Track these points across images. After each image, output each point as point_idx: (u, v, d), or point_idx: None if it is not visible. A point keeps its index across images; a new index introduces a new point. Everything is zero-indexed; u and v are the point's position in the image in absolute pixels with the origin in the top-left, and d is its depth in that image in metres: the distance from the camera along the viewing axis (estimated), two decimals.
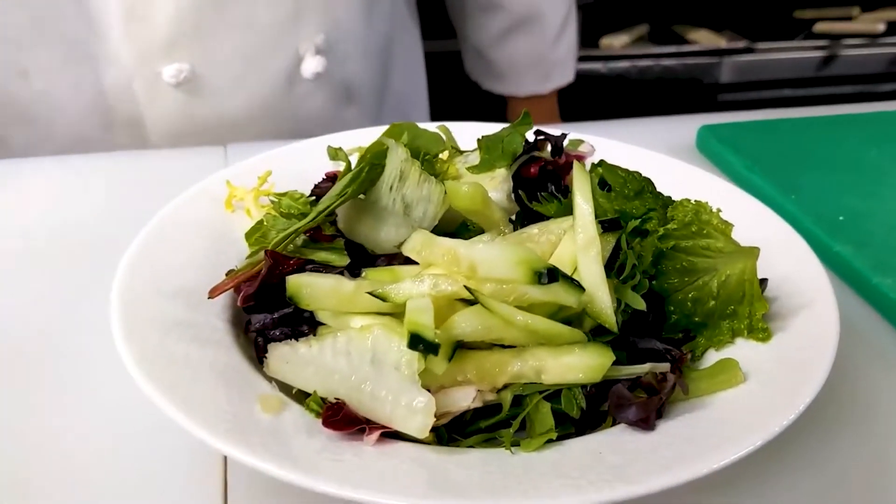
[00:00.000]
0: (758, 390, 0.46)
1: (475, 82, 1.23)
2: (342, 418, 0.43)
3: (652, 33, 2.23)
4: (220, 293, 0.50)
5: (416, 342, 0.41)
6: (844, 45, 2.06)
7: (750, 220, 0.58)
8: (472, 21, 1.15)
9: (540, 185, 0.57)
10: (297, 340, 0.47)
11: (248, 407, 0.44)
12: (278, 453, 0.40)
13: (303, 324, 0.49)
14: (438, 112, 1.22)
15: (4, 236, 0.67)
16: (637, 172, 0.55)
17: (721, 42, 2.05)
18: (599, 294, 0.45)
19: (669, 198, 0.55)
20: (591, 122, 0.89)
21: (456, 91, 1.32)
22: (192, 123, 0.86)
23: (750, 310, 0.50)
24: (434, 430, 0.43)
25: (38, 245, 0.66)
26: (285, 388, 0.47)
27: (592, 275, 0.46)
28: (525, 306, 0.44)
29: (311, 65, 0.87)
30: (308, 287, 0.47)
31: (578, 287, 0.44)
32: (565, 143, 0.62)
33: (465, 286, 0.44)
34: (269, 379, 0.47)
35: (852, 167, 0.80)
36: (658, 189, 0.56)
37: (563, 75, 1.19)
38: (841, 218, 0.71)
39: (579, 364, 0.44)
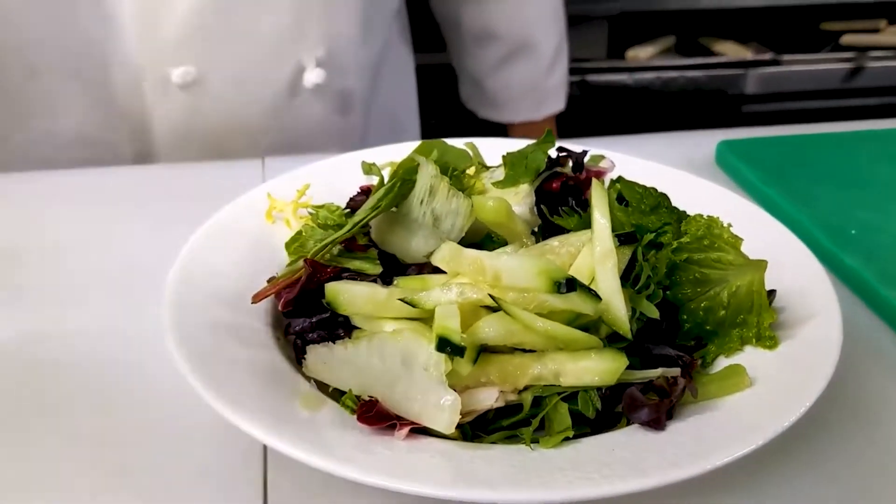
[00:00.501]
0: (764, 394, 0.49)
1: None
2: (375, 414, 0.46)
3: (678, 45, 2.25)
4: (263, 298, 0.54)
5: (444, 345, 0.45)
6: (871, 58, 2.07)
7: (762, 233, 0.61)
8: (467, 51, 1.20)
9: (561, 200, 0.61)
10: (334, 343, 0.51)
11: (288, 403, 0.48)
12: (315, 445, 0.43)
13: (338, 328, 0.53)
14: (429, 122, 1.27)
15: (54, 250, 0.72)
16: (653, 188, 0.59)
17: (747, 54, 2.07)
18: (615, 303, 0.49)
19: (684, 212, 0.58)
20: (614, 137, 0.92)
21: (447, 102, 1.35)
22: (195, 125, 0.89)
23: (758, 319, 0.53)
24: (459, 426, 0.47)
25: (92, 257, 0.70)
26: (322, 388, 0.51)
27: (609, 285, 0.49)
28: (545, 313, 0.48)
29: (312, 76, 0.91)
30: (345, 293, 0.51)
31: (595, 296, 0.48)
32: (586, 159, 0.65)
33: (489, 294, 0.47)
34: (308, 378, 0.51)
35: (869, 182, 0.82)
36: (674, 203, 0.59)
37: (556, 103, 1.24)
38: (853, 231, 0.73)
39: (595, 368, 0.47)
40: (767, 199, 0.80)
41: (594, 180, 0.53)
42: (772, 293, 0.55)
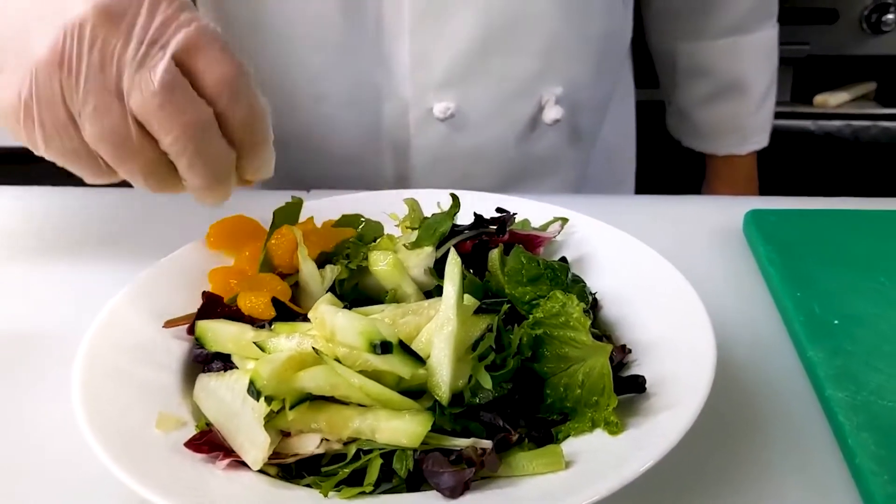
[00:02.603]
0: (570, 477, 0.49)
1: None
2: (204, 442, 0.52)
3: (879, 92, 2.10)
4: (174, 326, 0.61)
5: (251, 388, 0.50)
6: None
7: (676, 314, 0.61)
8: (679, 85, 1.26)
9: (475, 261, 0.63)
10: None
11: (151, 423, 0.55)
12: (134, 460, 0.50)
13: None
14: (645, 156, 1.33)
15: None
16: (550, 261, 0.60)
17: None
18: (440, 369, 0.51)
19: (578, 286, 0.59)
20: (635, 197, 0.91)
21: (662, 135, 1.37)
22: (447, 154, 1.01)
23: (609, 402, 0.53)
24: (285, 466, 0.52)
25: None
26: None
27: (439, 351, 0.52)
28: (369, 371, 0.51)
29: (552, 112, 1.00)
30: (212, 332, 0.57)
31: (416, 360, 0.51)
32: (517, 220, 0.69)
33: (313, 347, 0.51)
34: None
35: (886, 267, 0.76)
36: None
37: (760, 140, 1.26)
38: (836, 322, 0.69)
39: (404, 429, 0.50)
40: (767, 276, 0.77)
41: (451, 250, 0.55)
42: (641, 379, 0.55)
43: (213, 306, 0.61)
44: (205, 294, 0.62)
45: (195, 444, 0.52)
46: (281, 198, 0.70)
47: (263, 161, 0.61)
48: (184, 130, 0.54)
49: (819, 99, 2.06)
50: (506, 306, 0.56)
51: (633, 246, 0.69)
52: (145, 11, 0.53)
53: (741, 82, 1.20)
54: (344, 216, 0.69)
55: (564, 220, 0.71)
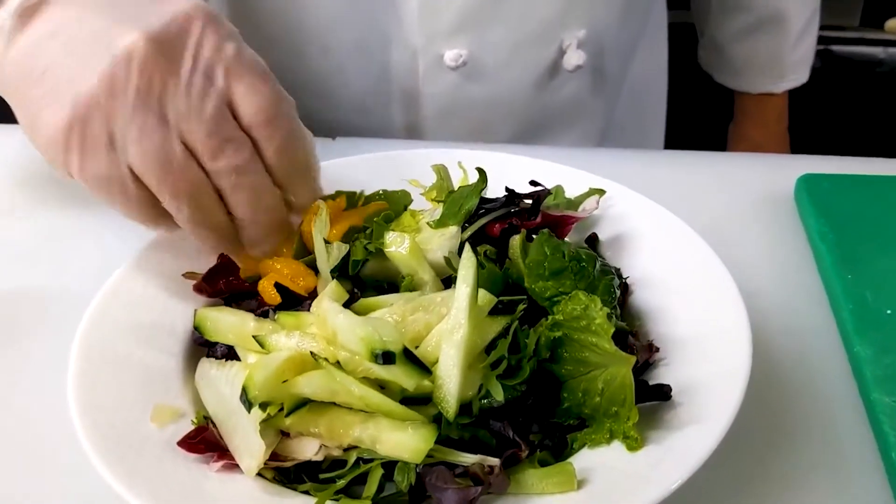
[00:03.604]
0: (581, 500, 0.46)
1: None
2: (199, 441, 0.50)
3: None
4: (192, 278, 0.60)
5: (243, 397, 0.47)
6: None
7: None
8: (713, 18, 1.17)
9: (502, 246, 0.59)
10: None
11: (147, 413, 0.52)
12: (124, 461, 0.48)
13: None
14: (677, 90, 1.25)
15: None
16: (578, 250, 0.55)
17: None
18: (448, 380, 0.48)
19: (606, 278, 0.55)
20: (673, 153, 0.85)
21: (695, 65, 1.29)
22: (460, 103, 0.96)
23: (629, 415, 0.49)
24: (283, 471, 0.49)
25: None
26: None
27: (447, 359, 0.48)
28: (372, 377, 0.48)
29: (573, 58, 0.93)
30: (211, 320, 0.54)
31: (422, 371, 0.47)
32: (573, 193, 0.63)
33: (311, 351, 0.48)
34: None
35: None
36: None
37: (798, 77, 1.17)
38: (888, 311, 0.64)
39: (406, 443, 0.47)
40: (819, 254, 0.71)
41: (467, 247, 0.51)
42: (667, 388, 0.51)
43: (223, 272, 0.58)
44: (221, 257, 0.59)
45: (190, 444, 0.50)
46: None
47: (309, 190, 0.61)
48: (229, 160, 0.55)
49: (891, 24, 1.93)
50: (521, 306, 0.52)
51: (673, 226, 0.63)
52: (194, 42, 0.55)
53: (780, 14, 1.11)
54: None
55: (601, 193, 0.66)
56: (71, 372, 0.53)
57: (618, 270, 0.62)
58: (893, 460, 0.53)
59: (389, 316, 0.51)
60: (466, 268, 0.50)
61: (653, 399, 0.52)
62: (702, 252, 0.61)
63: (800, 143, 1.23)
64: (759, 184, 0.82)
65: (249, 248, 0.60)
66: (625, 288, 0.61)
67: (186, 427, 0.51)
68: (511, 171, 0.68)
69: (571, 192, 0.67)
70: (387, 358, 0.46)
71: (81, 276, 0.68)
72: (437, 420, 0.48)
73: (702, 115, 1.48)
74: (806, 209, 0.76)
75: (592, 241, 0.64)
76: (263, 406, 0.47)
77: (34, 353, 0.64)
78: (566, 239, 0.63)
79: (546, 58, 0.94)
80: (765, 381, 0.59)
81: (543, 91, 0.96)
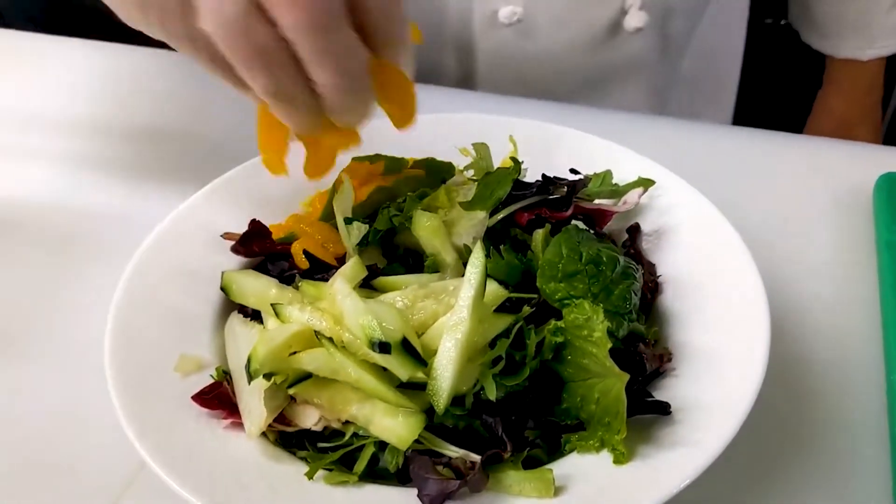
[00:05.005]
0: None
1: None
2: (213, 397, 0.53)
3: None
4: (230, 238, 0.63)
5: (247, 367, 0.50)
6: None
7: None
8: None
9: (531, 233, 0.59)
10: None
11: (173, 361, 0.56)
12: (139, 400, 0.52)
13: None
14: (755, 52, 1.17)
15: None
16: (599, 252, 0.55)
17: None
18: (442, 375, 0.49)
19: (623, 284, 0.54)
20: (741, 130, 0.82)
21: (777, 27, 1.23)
22: (513, 58, 0.95)
23: (620, 428, 0.49)
24: (285, 434, 0.53)
25: None
26: None
27: (445, 353, 0.49)
28: (372, 361, 0.50)
29: (634, 19, 0.90)
30: (237, 283, 0.56)
31: (417, 362, 0.48)
32: (623, 178, 0.62)
33: (315, 331, 0.50)
34: None
35: None
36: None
37: (889, 45, 1.08)
38: None
39: (394, 429, 0.49)
40: (881, 265, 0.68)
41: (478, 242, 0.51)
42: (667, 405, 0.51)
43: (256, 237, 0.61)
44: (252, 222, 0.61)
45: (203, 399, 0.53)
46: None
47: (401, 52, 0.53)
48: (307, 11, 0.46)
49: None
50: (527, 309, 0.52)
51: (719, 228, 0.61)
52: None
53: None
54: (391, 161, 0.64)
55: (648, 184, 0.64)
56: (111, 312, 0.57)
57: (652, 266, 0.61)
58: None
59: (400, 300, 0.53)
60: (474, 269, 0.50)
61: (652, 412, 0.52)
62: (741, 261, 0.59)
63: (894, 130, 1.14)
64: (835, 176, 0.77)
65: (338, 117, 0.52)
66: (655, 286, 0.60)
67: (206, 380, 0.55)
68: (565, 145, 0.67)
69: (621, 177, 0.65)
70: (383, 347, 0.48)
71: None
72: (431, 408, 0.50)
73: (784, 80, 1.39)
74: (882, 213, 0.71)
75: (634, 230, 0.63)
76: (269, 376, 0.50)
77: (93, 277, 0.69)
78: (605, 228, 0.63)
79: (605, 17, 0.90)
80: (790, 395, 0.58)
81: (601, 51, 0.94)
